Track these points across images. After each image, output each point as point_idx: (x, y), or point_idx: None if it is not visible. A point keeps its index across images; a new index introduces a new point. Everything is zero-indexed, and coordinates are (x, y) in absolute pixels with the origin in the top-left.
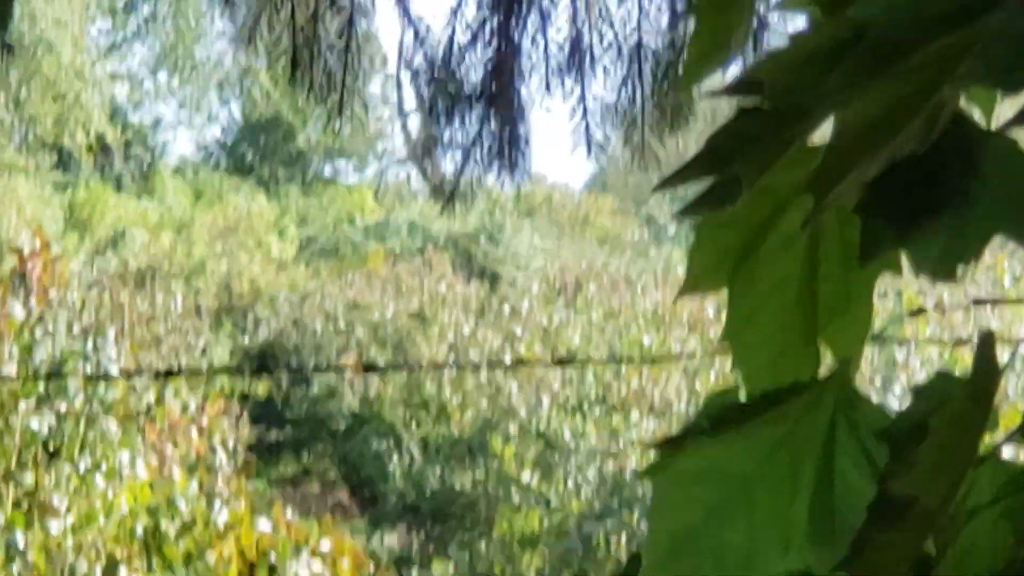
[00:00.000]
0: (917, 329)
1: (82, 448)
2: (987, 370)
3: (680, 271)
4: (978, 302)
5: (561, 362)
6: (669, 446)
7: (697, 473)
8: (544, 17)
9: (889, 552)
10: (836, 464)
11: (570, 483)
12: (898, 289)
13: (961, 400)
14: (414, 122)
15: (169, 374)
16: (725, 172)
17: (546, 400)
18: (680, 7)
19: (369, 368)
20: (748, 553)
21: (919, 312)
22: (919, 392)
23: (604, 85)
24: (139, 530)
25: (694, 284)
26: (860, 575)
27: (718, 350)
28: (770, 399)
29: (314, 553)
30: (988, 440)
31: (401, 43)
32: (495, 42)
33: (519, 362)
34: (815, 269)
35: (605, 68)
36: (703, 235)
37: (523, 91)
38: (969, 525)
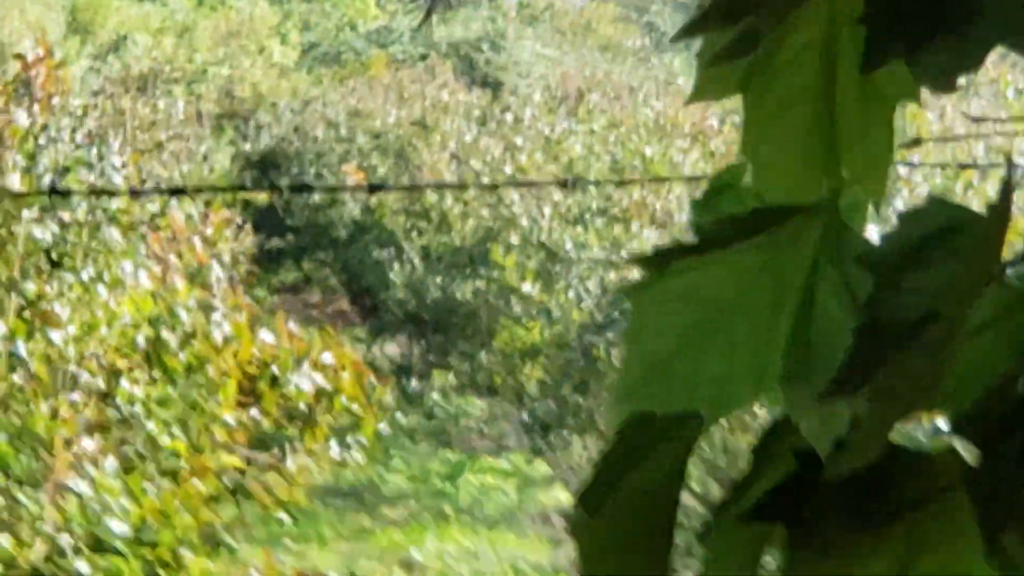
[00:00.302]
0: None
1: (85, 257)
2: (1007, 189)
3: (682, 81)
4: (977, 120)
5: (564, 184)
6: (653, 264)
7: (678, 295)
8: None
9: (906, 375)
10: (817, 298)
11: (571, 294)
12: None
13: (985, 219)
14: None
15: (175, 192)
16: (743, 22)
17: (547, 210)
18: None
19: (374, 188)
20: (721, 384)
21: (915, 144)
22: (907, 217)
23: None
24: (141, 340)
25: (703, 91)
26: (876, 401)
27: (723, 166)
28: (760, 219)
29: (315, 365)
30: None
31: None
32: None
33: (523, 183)
34: (832, 86)
35: None
36: (715, 39)
37: None
38: (968, 345)
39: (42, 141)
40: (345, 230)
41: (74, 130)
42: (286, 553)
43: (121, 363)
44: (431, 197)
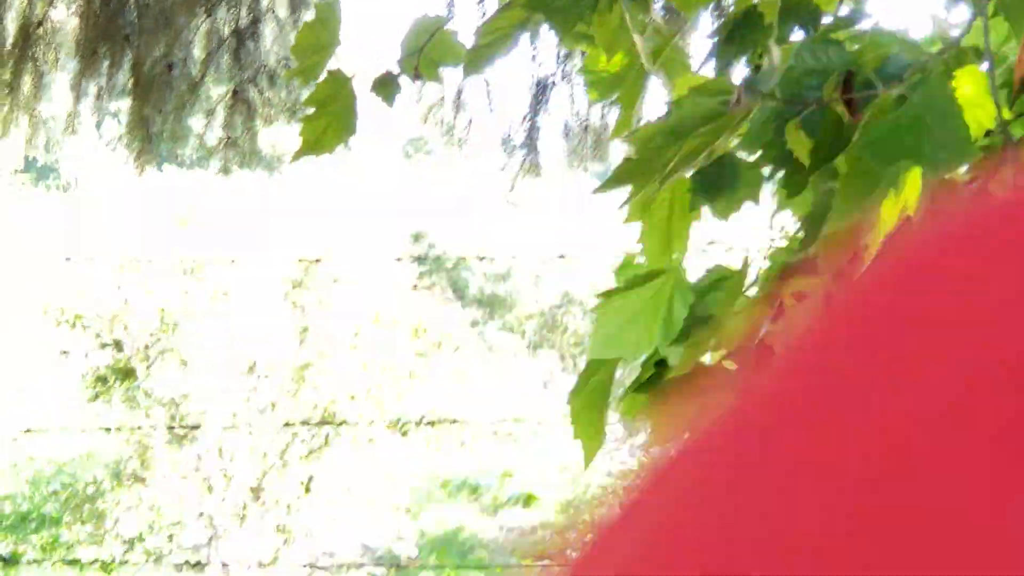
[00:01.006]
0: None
1: None
2: (745, 263)
3: None
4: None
5: None
6: (603, 296)
7: (616, 307)
8: None
9: (707, 333)
10: (674, 306)
11: None
12: None
13: (737, 271)
14: None
15: None
16: (634, 185)
17: None
18: None
19: None
20: (637, 344)
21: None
22: (707, 272)
23: None
24: None
25: (629, 218)
26: (690, 343)
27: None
28: (647, 275)
29: None
30: None
31: None
32: None
33: None
34: (671, 217)
35: None
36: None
37: None
38: (728, 322)
39: None
40: None
41: None
42: None
43: None
44: None
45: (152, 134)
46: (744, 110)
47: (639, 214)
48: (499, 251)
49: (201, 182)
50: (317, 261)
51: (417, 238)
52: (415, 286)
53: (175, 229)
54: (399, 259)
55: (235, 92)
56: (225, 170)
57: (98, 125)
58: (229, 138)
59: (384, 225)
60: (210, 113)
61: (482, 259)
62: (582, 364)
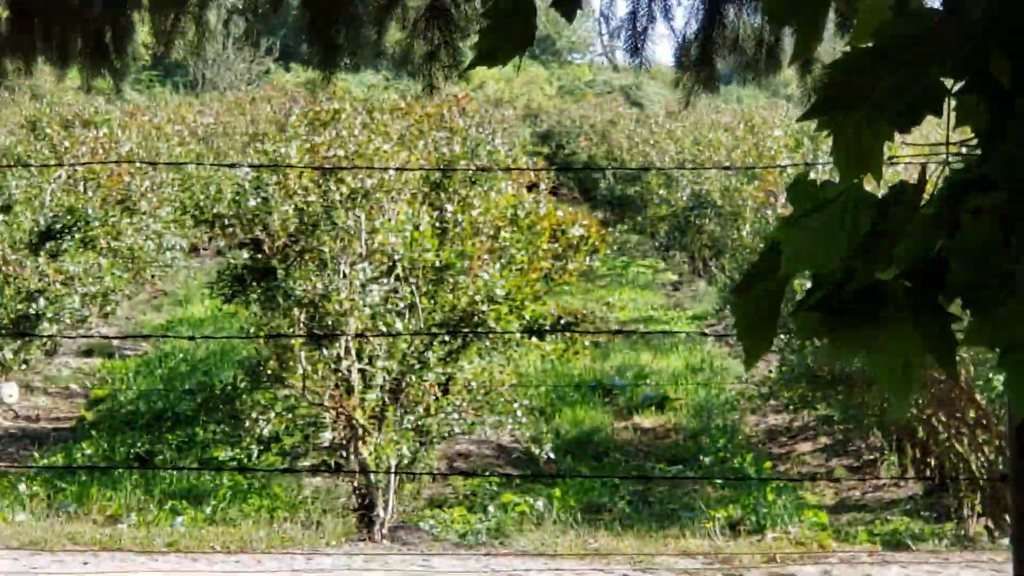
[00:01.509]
0: None
1: None
2: (922, 178)
3: None
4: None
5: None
6: (786, 219)
7: (804, 226)
8: None
9: (887, 244)
10: (859, 219)
11: None
12: None
13: (913, 185)
14: None
15: None
16: (837, 109)
17: None
18: None
19: None
20: (827, 256)
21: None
22: (891, 188)
23: None
24: None
25: (821, 127)
26: (865, 256)
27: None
28: (841, 191)
29: None
30: None
31: None
32: None
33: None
34: (860, 133)
35: None
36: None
37: None
38: (912, 235)
39: None
40: None
41: None
42: None
43: None
44: None
45: (335, 45)
46: (946, 35)
47: (829, 125)
48: (630, 153)
49: (343, 84)
50: (455, 163)
51: (547, 140)
52: (550, 188)
53: (314, 130)
54: (534, 162)
55: (432, 4)
56: (427, 86)
57: (226, 23)
58: (429, 52)
59: (519, 128)
60: (408, 25)
61: (613, 160)
62: (714, 267)
